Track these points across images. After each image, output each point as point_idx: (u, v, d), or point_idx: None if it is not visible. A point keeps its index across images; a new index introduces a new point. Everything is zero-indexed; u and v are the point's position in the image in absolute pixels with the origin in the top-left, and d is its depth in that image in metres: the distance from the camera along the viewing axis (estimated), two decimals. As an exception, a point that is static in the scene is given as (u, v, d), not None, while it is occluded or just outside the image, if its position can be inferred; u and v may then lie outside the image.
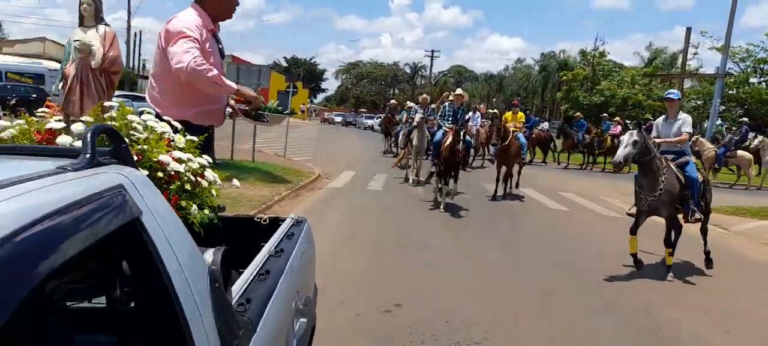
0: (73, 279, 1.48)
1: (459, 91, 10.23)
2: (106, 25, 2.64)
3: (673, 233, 5.99)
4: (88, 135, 1.23)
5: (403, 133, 13.75)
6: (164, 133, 2.21)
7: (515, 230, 8.19)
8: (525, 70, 62.64)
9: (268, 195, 8.60)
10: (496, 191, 10.87)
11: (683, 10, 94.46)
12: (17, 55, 30.71)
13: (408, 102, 17.37)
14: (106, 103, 2.04)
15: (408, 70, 78.61)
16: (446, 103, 9.99)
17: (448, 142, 8.98)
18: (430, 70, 66.77)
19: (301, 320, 2.15)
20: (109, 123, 2.05)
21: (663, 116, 6.41)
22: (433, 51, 64.28)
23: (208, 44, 2.94)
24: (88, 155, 1.19)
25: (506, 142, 10.44)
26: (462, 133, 9.23)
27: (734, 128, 19.99)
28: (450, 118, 9.56)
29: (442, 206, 9.07)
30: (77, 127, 1.93)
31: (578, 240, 7.63)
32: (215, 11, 3.08)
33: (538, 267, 5.99)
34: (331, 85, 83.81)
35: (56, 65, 29.41)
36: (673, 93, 6.57)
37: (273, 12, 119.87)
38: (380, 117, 30.43)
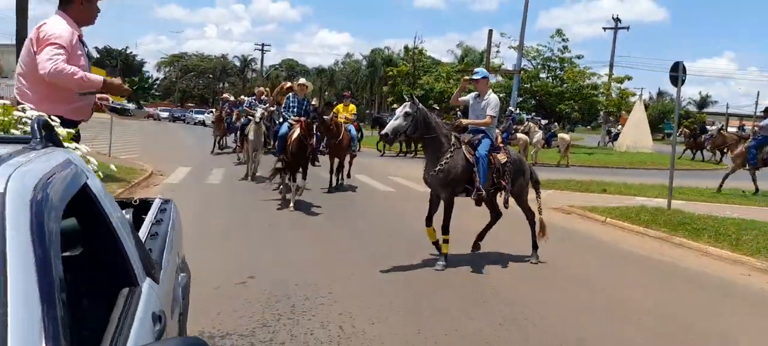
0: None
1: (302, 80, 9.95)
2: None
3: (448, 215, 5.77)
4: (36, 125, 1.66)
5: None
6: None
7: (352, 209, 9.12)
8: (354, 64, 65.19)
9: (102, 193, 8.33)
10: (331, 182, 10.96)
11: (490, 12, 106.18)
12: None
13: (242, 96, 17.04)
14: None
15: (237, 64, 76.64)
16: (290, 95, 9.63)
17: (295, 135, 8.51)
18: (262, 63, 65.91)
19: (182, 274, 2.65)
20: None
21: (474, 94, 6.29)
22: (263, 44, 63.65)
23: (78, 49, 3.22)
24: (39, 140, 1.62)
25: (338, 138, 10.49)
26: (314, 127, 8.68)
27: (528, 116, 23.68)
28: (295, 110, 9.27)
29: (291, 205, 8.61)
30: None
31: (403, 214, 8.79)
32: (79, 17, 3.36)
33: (370, 238, 6.93)
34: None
35: None
36: (478, 72, 6.48)
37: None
38: (212, 112, 28.60)
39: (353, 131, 11.44)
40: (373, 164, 16.59)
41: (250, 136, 11.37)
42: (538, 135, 20.20)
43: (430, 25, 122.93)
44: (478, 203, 6.00)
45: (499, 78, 40.39)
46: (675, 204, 9.64)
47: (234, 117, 15.92)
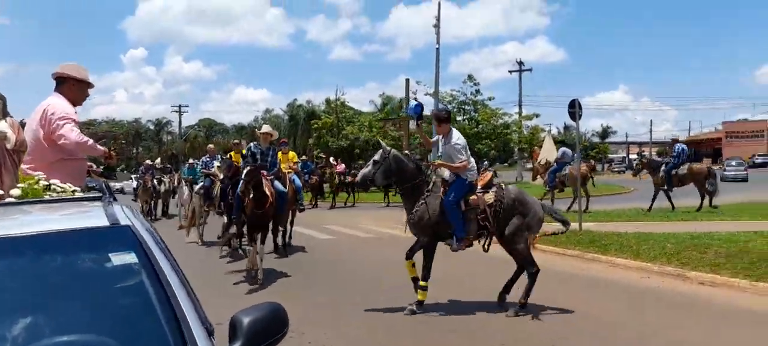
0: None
1: (266, 128, 8.85)
2: (11, 116, 3.15)
3: (428, 262, 5.72)
4: (104, 186, 2.22)
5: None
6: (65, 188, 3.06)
7: (297, 260, 9.50)
8: (275, 119, 65.30)
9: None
10: (275, 243, 9.75)
11: (404, 60, 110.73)
12: None
13: (191, 159, 15.68)
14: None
15: (151, 127, 74.58)
16: (252, 145, 8.51)
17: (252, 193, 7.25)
18: (180, 125, 64.53)
19: None
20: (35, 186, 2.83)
21: (438, 136, 6.12)
22: (180, 106, 62.56)
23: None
24: (108, 196, 2.17)
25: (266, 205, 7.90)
26: (270, 180, 7.67)
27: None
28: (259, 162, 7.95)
29: (259, 275, 7.40)
30: (15, 192, 2.66)
31: (346, 259, 9.33)
32: (73, 97, 3.92)
33: (314, 285, 7.40)
34: (60, 148, 73.63)
35: None
36: (411, 108, 6.65)
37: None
38: (135, 178, 24.91)
39: (298, 181, 10.30)
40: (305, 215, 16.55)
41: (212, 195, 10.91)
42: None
43: (347, 77, 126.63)
44: (463, 247, 5.80)
45: (413, 126, 42.30)
46: (585, 225, 10.87)
47: (176, 181, 16.04)
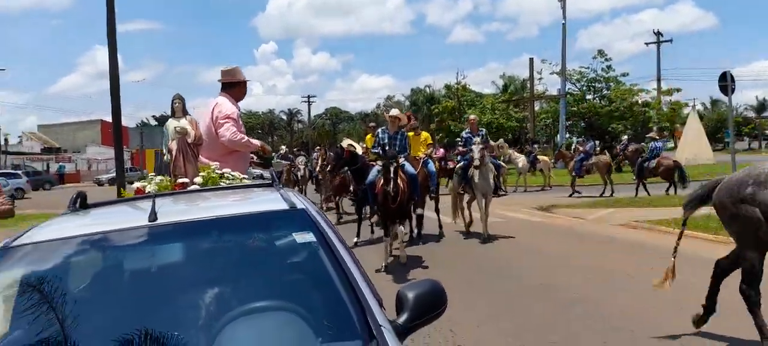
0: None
1: (394, 112, 8.41)
2: (190, 114, 3.83)
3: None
4: (275, 174, 2.51)
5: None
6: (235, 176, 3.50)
7: (429, 249, 9.52)
8: (396, 106, 66.45)
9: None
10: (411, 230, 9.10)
11: (528, 39, 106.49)
12: None
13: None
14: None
15: (284, 117, 79.71)
16: (379, 131, 8.13)
17: (381, 182, 7.10)
18: (309, 114, 68.23)
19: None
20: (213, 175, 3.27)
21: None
22: (309, 96, 65.96)
23: (240, 121, 4.40)
24: (278, 183, 2.44)
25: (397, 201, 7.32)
26: (393, 168, 7.01)
27: (582, 139, 23.78)
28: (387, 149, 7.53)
29: (383, 265, 7.14)
30: (198, 179, 3.11)
31: (478, 245, 9.26)
32: (237, 97, 4.57)
33: (451, 272, 7.47)
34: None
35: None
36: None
37: (130, 71, 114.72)
38: (307, 157, 20.05)
39: (431, 166, 9.34)
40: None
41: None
42: (522, 160, 19.87)
43: (467, 59, 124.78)
44: None
45: (544, 104, 40.68)
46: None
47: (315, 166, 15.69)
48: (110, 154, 49.05)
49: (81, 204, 2.54)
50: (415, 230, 9.40)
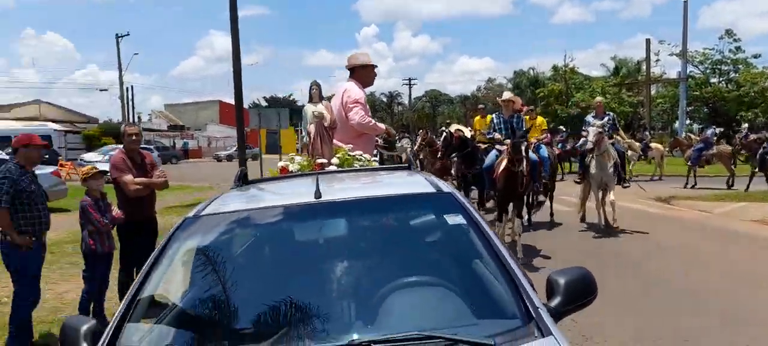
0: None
1: (507, 94, 7.90)
2: (326, 99, 4.25)
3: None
4: (411, 157, 2.70)
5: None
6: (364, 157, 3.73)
7: (542, 234, 9.29)
8: (497, 89, 64.98)
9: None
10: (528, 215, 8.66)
11: (643, 17, 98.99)
12: (15, 119, 31.60)
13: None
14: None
15: (384, 99, 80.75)
16: (494, 116, 7.88)
17: (503, 165, 6.74)
18: (409, 97, 68.62)
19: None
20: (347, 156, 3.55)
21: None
22: (410, 79, 66.26)
23: (367, 105, 4.68)
24: (414, 166, 2.61)
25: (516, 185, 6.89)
26: (523, 148, 6.53)
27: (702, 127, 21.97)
28: (503, 133, 7.37)
29: (517, 250, 6.84)
30: (335, 160, 3.39)
31: (590, 234, 8.92)
32: (363, 81, 4.78)
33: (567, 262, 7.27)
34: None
35: (55, 126, 30.85)
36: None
37: (243, 55, 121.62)
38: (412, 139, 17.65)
39: (544, 152, 8.60)
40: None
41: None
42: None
43: (574, 40, 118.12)
44: None
45: (661, 88, 37.82)
46: None
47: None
48: (227, 133, 53.03)
49: (244, 181, 2.89)
50: (526, 217, 8.82)
